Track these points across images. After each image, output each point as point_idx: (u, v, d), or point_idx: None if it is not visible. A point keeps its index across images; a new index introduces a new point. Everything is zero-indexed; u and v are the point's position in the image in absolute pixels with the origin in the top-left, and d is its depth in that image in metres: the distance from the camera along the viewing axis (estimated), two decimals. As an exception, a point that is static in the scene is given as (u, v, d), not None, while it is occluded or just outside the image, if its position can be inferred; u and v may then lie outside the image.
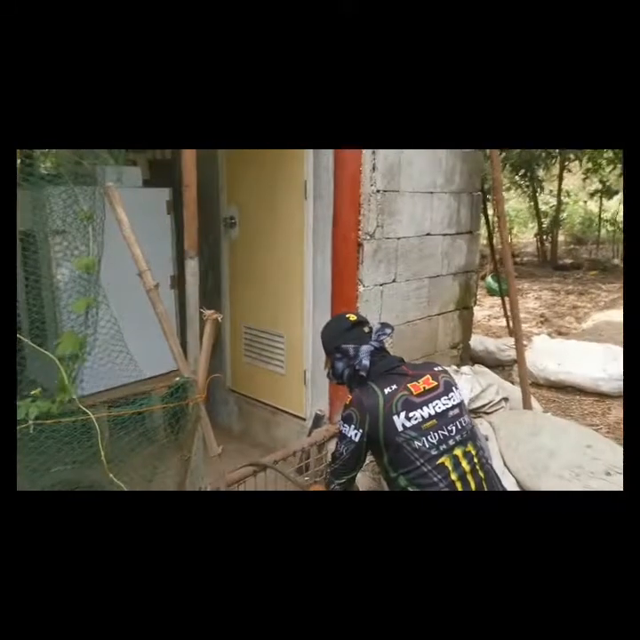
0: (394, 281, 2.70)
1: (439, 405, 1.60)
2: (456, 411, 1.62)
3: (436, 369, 1.70)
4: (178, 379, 1.42)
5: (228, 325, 3.16)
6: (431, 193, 2.83)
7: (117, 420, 1.71)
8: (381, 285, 2.64)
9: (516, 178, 9.38)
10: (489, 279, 7.32)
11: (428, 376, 1.65)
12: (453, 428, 1.59)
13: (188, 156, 1.68)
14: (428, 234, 2.86)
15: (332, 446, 2.27)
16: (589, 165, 8.94)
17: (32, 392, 1.27)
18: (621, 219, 9.84)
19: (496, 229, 5.83)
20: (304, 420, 2.78)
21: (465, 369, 2.91)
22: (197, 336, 1.67)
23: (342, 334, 1.77)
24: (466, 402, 2.10)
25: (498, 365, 3.85)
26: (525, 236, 12.63)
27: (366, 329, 1.79)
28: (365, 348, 1.71)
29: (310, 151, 2.50)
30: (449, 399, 1.62)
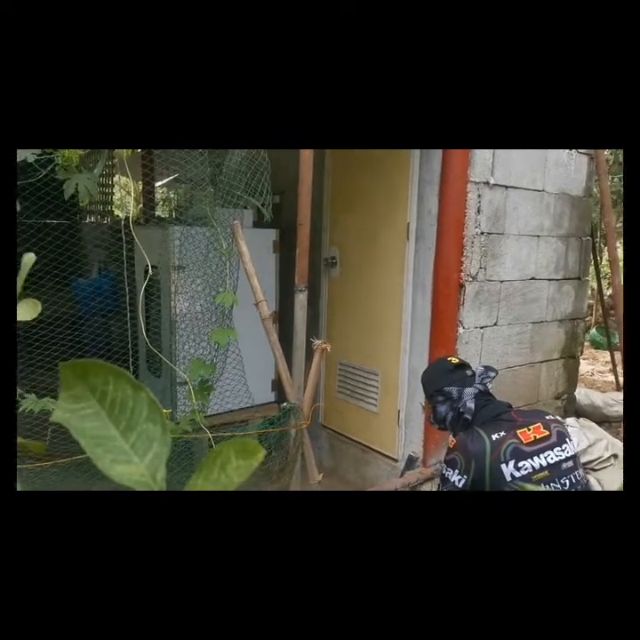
0: (495, 324, 2.65)
1: (551, 456, 1.51)
2: (570, 463, 1.52)
3: (547, 418, 1.62)
4: (285, 404, 1.49)
5: (324, 361, 3.23)
6: (537, 236, 2.78)
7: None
8: (482, 328, 2.60)
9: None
10: (594, 331, 6.90)
11: (540, 424, 1.56)
12: (567, 481, 1.49)
13: (304, 197, 1.81)
14: (532, 278, 2.79)
15: (425, 489, 2.22)
16: None
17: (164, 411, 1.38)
18: None
19: (605, 278, 5.53)
20: (396, 460, 2.74)
21: (570, 421, 2.75)
22: (302, 364, 1.74)
23: (444, 376, 1.73)
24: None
25: (604, 421, 3.58)
26: (634, 288, 11.79)
27: (469, 372, 1.75)
28: (469, 391, 1.67)
29: (414, 194, 2.56)
30: (562, 450, 1.53)
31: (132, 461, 0.37)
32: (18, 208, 1.71)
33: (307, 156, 1.87)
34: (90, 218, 4.31)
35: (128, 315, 2.37)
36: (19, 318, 0.61)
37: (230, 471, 0.37)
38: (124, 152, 1.83)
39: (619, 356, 3.21)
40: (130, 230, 2.01)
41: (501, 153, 2.54)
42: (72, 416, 0.37)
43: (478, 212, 2.49)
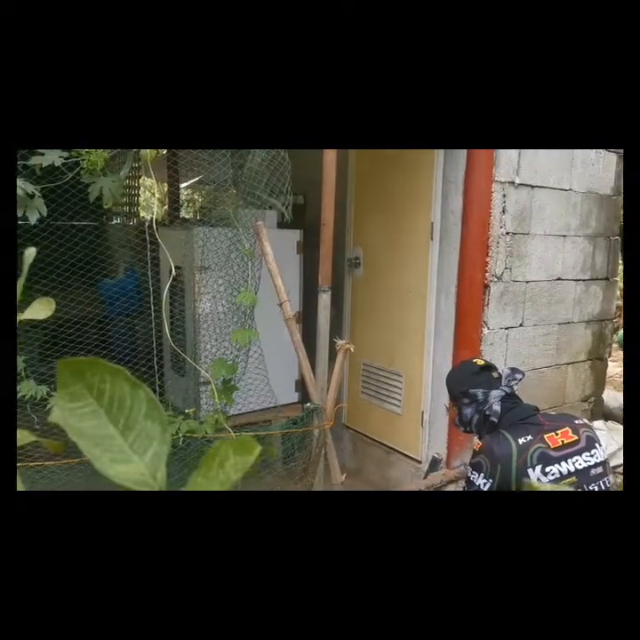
0: (521, 325, 2.61)
1: (580, 462, 1.47)
2: (599, 469, 1.49)
3: (576, 422, 1.57)
4: (309, 404, 1.49)
5: (347, 361, 3.23)
6: (564, 236, 2.73)
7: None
8: (507, 329, 2.56)
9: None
10: (622, 332, 6.75)
11: (568, 429, 1.53)
12: (596, 487, 1.45)
13: (328, 198, 1.81)
14: (559, 278, 2.75)
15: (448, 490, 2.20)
16: None
17: (186, 411, 1.40)
18: None
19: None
20: (419, 462, 2.72)
21: (598, 424, 2.70)
22: (326, 364, 1.74)
23: (470, 378, 1.70)
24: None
25: (634, 425, 3.50)
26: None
27: (495, 374, 1.71)
28: (496, 393, 1.64)
29: (439, 194, 2.54)
30: (591, 456, 1.49)
31: (131, 460, 0.37)
32: (45, 211, 1.74)
33: (330, 156, 1.87)
34: (116, 219, 4.38)
35: (152, 314, 2.40)
36: (31, 317, 0.60)
37: (228, 468, 0.37)
38: (148, 153, 1.85)
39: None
40: (154, 231, 2.04)
41: (527, 152, 2.50)
42: (70, 415, 0.36)
43: (503, 211, 2.45)
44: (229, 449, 0.37)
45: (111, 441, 0.37)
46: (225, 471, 0.37)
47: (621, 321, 6.80)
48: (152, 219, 2.00)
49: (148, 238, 2.20)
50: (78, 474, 1.95)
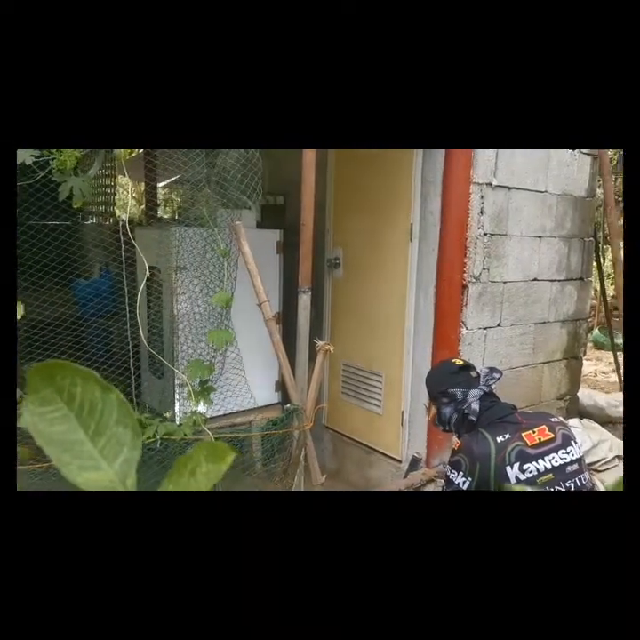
0: (498, 325, 2.64)
1: (556, 459, 1.50)
2: (575, 466, 1.51)
3: (552, 420, 1.60)
4: (288, 405, 1.48)
5: (327, 362, 3.22)
6: (540, 237, 2.76)
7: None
8: (485, 329, 2.58)
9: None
10: (597, 332, 6.88)
11: (545, 427, 1.55)
12: (572, 484, 1.48)
13: (308, 198, 1.80)
14: (535, 279, 2.78)
15: (428, 490, 2.21)
16: None
17: (165, 414, 1.38)
18: None
19: (608, 278, 5.50)
20: (399, 462, 2.73)
21: (574, 422, 2.74)
22: (305, 365, 1.73)
23: (449, 378, 1.71)
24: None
25: (608, 422, 3.56)
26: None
27: (474, 373, 1.73)
28: (474, 393, 1.65)
29: (418, 195, 2.55)
30: (567, 453, 1.52)
31: (100, 468, 0.36)
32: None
33: (309, 156, 1.86)
34: (91, 219, 4.30)
35: (127, 316, 2.36)
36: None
37: (199, 476, 0.36)
38: (122, 153, 1.82)
39: (622, 356, 3.20)
40: (127, 231, 2.01)
41: (504, 154, 2.52)
42: (40, 420, 0.36)
43: (481, 212, 2.48)
44: (202, 456, 0.36)
45: (81, 447, 0.36)
46: (196, 479, 0.36)
47: (596, 320, 6.94)
48: (123, 218, 1.97)
49: (121, 238, 2.16)
50: (52, 478, 1.90)
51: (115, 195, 4.35)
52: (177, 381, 2.06)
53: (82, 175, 1.63)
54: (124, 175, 1.74)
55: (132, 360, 2.40)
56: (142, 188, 4.15)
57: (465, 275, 2.46)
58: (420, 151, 2.50)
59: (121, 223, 2.09)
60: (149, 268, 2.64)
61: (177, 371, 1.71)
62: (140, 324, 2.03)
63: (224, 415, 2.50)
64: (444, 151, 2.39)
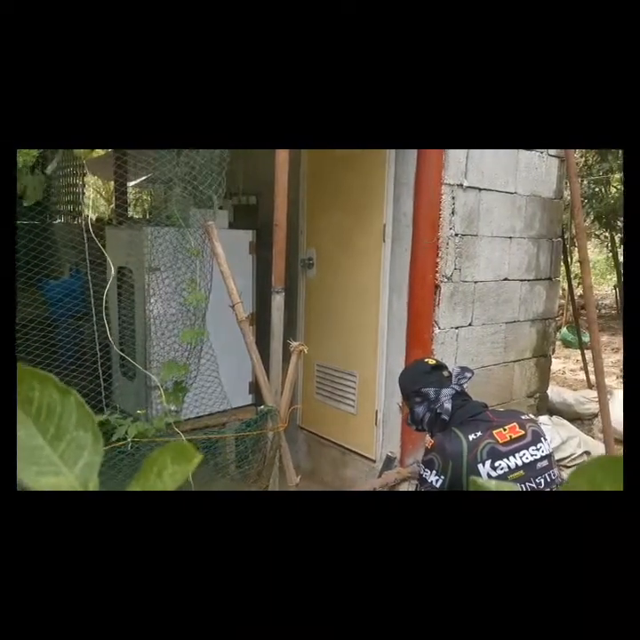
0: (470, 324, 2.68)
1: (526, 456, 1.53)
2: (545, 462, 1.55)
3: (523, 417, 1.63)
4: (262, 407, 1.47)
5: (301, 363, 3.22)
6: (510, 238, 2.82)
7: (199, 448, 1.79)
8: (457, 328, 2.62)
9: (594, 228, 9.11)
10: (565, 330, 7.05)
11: (515, 424, 1.58)
12: (542, 480, 1.51)
13: (280, 198, 1.79)
14: (505, 279, 2.83)
15: (402, 489, 2.23)
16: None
17: (138, 411, 1.36)
18: None
19: (576, 278, 5.64)
20: (374, 461, 2.74)
21: (543, 419, 2.80)
22: (279, 366, 1.72)
23: (422, 378, 1.73)
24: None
25: (576, 419, 3.66)
26: (602, 288, 12.11)
27: (446, 373, 1.76)
28: (447, 392, 1.68)
29: (391, 196, 2.57)
30: (537, 450, 1.55)
31: (60, 472, 0.35)
32: None
33: (282, 156, 1.86)
34: (60, 218, 4.21)
35: (94, 317, 2.31)
36: None
37: (166, 477, 0.36)
38: (83, 152, 1.78)
39: (589, 354, 3.28)
40: (89, 230, 1.97)
41: (474, 154, 2.56)
42: None
43: (452, 213, 2.51)
44: (168, 457, 0.36)
45: (40, 452, 0.35)
46: (163, 481, 0.35)
47: (563, 319, 7.11)
48: (88, 217, 1.93)
49: (85, 237, 2.12)
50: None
51: (83, 194, 4.27)
52: (151, 383, 2.04)
53: (38, 174, 1.60)
54: (87, 174, 1.71)
55: (100, 362, 2.35)
56: (112, 187, 4.07)
57: (437, 275, 2.49)
58: (393, 152, 2.51)
59: (83, 223, 2.05)
60: (120, 268, 2.60)
61: (148, 372, 1.68)
62: (107, 326, 1.99)
63: (197, 417, 2.47)
64: (416, 152, 2.42)
